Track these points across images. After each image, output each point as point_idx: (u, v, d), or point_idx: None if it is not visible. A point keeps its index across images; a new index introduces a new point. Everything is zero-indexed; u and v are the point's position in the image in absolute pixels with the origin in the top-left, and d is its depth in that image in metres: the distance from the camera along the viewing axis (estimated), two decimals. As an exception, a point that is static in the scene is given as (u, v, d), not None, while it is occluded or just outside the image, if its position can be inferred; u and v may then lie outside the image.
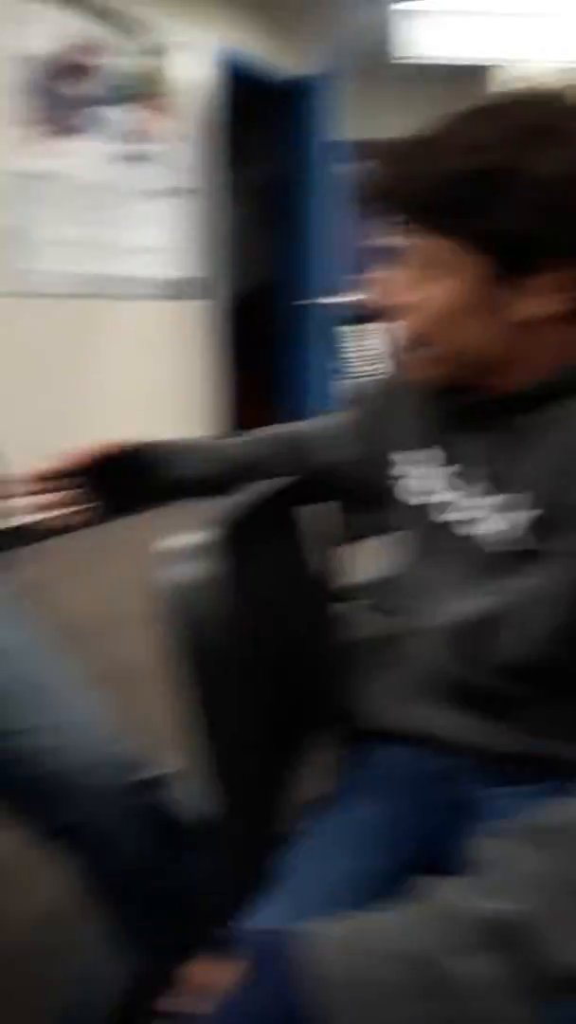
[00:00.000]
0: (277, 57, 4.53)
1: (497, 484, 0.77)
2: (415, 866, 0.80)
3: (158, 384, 4.08)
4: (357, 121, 4.37)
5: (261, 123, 4.80)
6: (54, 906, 1.28)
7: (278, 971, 0.53)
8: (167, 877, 0.98)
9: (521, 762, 0.81)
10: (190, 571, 0.73)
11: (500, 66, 4.00)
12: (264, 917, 0.73)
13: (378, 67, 4.56)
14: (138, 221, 3.82)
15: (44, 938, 1.22)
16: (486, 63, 3.98)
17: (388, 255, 0.75)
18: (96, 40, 3.49)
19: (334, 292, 4.21)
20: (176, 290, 4.09)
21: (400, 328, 0.77)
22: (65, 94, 3.38)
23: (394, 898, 0.68)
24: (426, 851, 0.82)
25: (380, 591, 1.82)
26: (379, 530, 0.92)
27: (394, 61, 4.07)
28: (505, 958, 0.50)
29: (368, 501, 0.93)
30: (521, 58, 3.72)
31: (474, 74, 3.93)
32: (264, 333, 5.08)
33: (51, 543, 3.46)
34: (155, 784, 0.98)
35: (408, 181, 0.72)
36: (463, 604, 0.80)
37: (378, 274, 0.76)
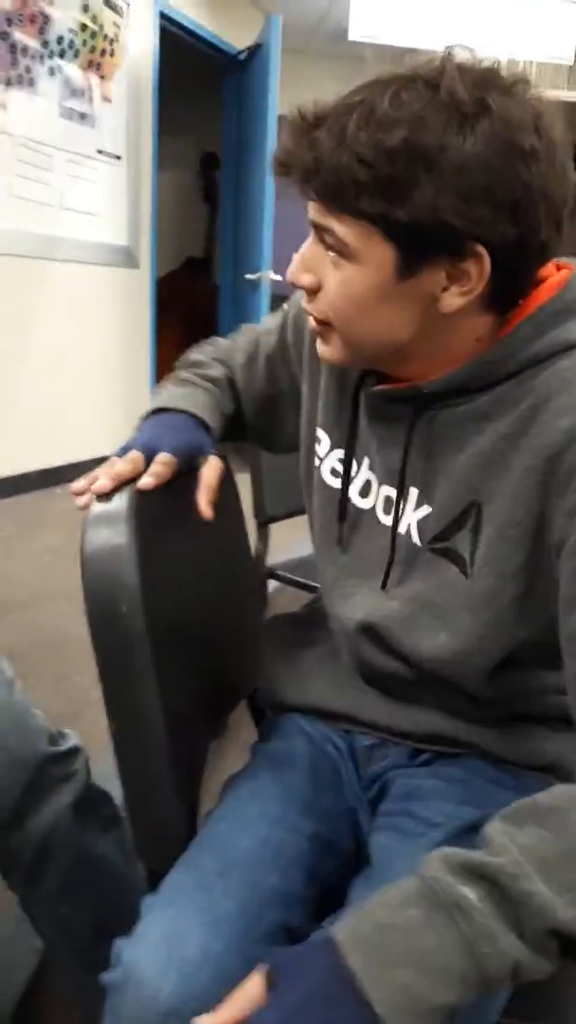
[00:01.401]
0: (221, 26, 4.46)
1: (416, 475, 0.76)
2: (327, 838, 0.82)
3: (88, 348, 4.02)
4: (299, 95, 4.32)
5: (201, 92, 4.73)
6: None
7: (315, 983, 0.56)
8: (79, 852, 0.98)
9: (429, 741, 0.83)
10: (107, 537, 0.72)
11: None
12: (175, 885, 0.73)
13: (326, 44, 4.51)
14: (75, 182, 3.72)
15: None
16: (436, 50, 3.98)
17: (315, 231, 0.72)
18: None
19: (265, 268, 4.18)
20: (108, 256, 4.02)
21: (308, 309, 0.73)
22: (14, 43, 3.27)
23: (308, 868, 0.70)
24: (337, 823, 0.84)
25: (302, 571, 1.82)
26: (302, 507, 0.92)
27: (344, 41, 4.04)
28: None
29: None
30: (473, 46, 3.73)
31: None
32: (194, 306, 5.01)
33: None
34: (71, 757, 0.97)
35: (313, 157, 0.64)
36: (381, 598, 0.80)
37: (298, 252, 0.71)
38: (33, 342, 3.72)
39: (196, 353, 0.99)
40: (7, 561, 2.82)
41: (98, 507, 0.75)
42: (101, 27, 3.69)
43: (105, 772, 0.94)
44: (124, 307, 4.20)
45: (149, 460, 0.79)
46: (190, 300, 5.19)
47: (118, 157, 3.95)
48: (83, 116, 3.68)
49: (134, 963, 0.67)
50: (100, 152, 3.82)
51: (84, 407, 4.01)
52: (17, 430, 3.69)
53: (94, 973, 0.70)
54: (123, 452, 0.80)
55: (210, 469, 0.82)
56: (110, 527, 0.73)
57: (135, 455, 0.79)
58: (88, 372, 4.02)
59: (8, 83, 3.29)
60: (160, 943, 0.68)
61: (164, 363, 4.54)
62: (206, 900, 0.71)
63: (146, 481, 0.77)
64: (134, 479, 0.77)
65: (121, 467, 0.78)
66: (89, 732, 1.01)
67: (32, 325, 3.71)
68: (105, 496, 0.76)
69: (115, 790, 0.85)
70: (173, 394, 0.89)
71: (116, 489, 0.76)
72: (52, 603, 2.42)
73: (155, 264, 4.39)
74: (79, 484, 0.78)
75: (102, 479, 0.77)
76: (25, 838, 0.94)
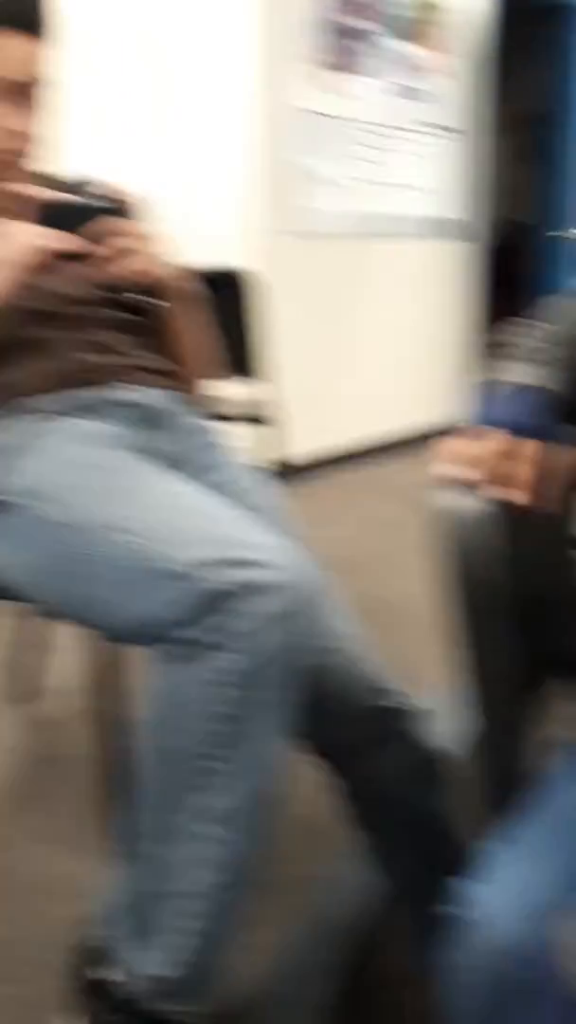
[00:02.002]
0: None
1: None
2: None
3: (419, 322, 4.09)
4: None
5: (530, 53, 4.56)
6: (312, 812, 1.40)
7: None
8: (420, 805, 1.04)
9: None
10: (469, 503, 0.75)
11: None
12: (523, 835, 0.77)
13: None
14: (408, 159, 3.80)
15: (305, 843, 1.34)
16: None
17: None
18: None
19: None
20: (439, 229, 4.05)
21: None
22: (349, 29, 3.43)
23: None
24: None
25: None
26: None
27: None
28: None
29: None
30: None
31: None
32: (521, 273, 4.89)
33: (317, 478, 3.65)
34: (414, 714, 1.03)
35: None
36: None
37: None
38: (369, 315, 3.88)
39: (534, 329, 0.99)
40: (340, 527, 3.00)
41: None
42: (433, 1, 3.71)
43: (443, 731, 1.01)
44: (456, 279, 4.23)
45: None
46: (518, 266, 5.08)
47: (453, 129, 3.96)
48: (416, 92, 3.73)
49: (485, 903, 0.72)
50: (434, 126, 3.86)
51: (413, 380, 4.10)
52: (348, 403, 3.88)
53: (430, 910, 0.76)
54: (482, 423, 0.83)
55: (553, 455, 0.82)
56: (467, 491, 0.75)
57: (504, 439, 0.79)
58: (418, 345, 4.11)
59: (343, 68, 3.43)
60: (512, 887, 0.72)
61: (492, 334, 4.52)
62: (554, 849, 0.74)
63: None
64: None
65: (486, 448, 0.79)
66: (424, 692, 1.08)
67: (373, 300, 3.86)
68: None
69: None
70: (520, 370, 0.91)
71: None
72: (380, 568, 2.54)
73: (488, 235, 4.36)
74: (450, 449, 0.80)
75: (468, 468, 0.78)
76: (366, 783, 1.03)
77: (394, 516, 3.16)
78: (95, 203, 1.15)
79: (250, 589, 0.78)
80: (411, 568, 2.55)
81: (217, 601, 0.78)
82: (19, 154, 1.16)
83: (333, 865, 1.29)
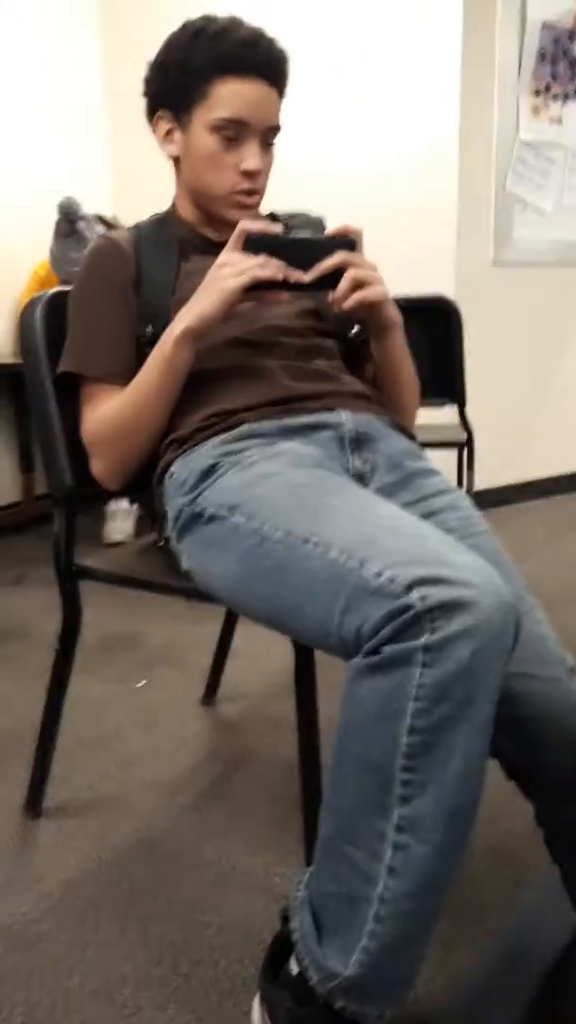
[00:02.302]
0: None
1: None
2: None
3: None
4: None
5: None
6: (512, 840, 1.39)
7: None
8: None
9: None
10: None
11: None
12: None
13: None
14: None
15: (497, 868, 1.33)
16: None
17: None
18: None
19: None
20: None
21: None
22: (573, 58, 3.39)
23: None
24: None
25: None
26: None
27: None
28: None
29: None
30: None
31: None
32: None
33: (512, 508, 3.58)
34: None
35: None
36: None
37: None
38: (573, 345, 3.78)
39: None
40: (539, 560, 2.93)
41: None
42: None
43: None
44: None
45: None
46: None
47: None
48: None
49: None
50: None
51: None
52: (551, 433, 3.79)
53: None
54: None
55: None
56: None
57: None
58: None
59: (566, 97, 3.39)
60: None
61: None
62: None
63: None
64: None
65: None
66: None
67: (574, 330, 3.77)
68: None
69: None
70: None
71: None
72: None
73: None
74: None
75: None
76: (572, 816, 1.01)
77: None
78: (321, 238, 1.22)
79: (446, 607, 0.80)
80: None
81: (412, 617, 0.81)
82: (259, 192, 1.28)
83: (532, 893, 1.28)
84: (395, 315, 1.25)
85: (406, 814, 0.82)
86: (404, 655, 0.81)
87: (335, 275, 1.12)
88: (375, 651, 0.83)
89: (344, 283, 1.13)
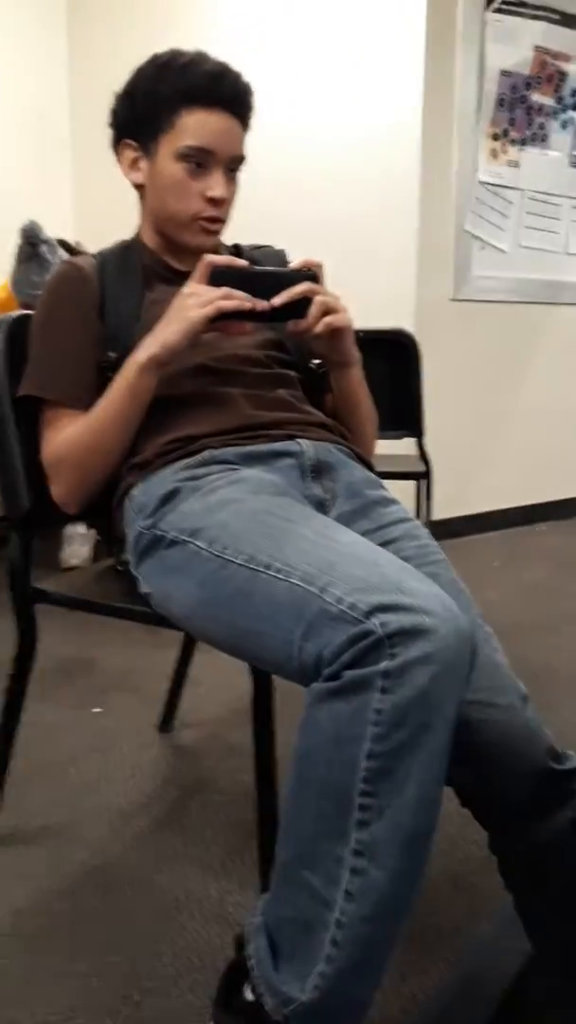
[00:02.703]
0: None
1: None
2: None
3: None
4: None
5: None
6: (468, 867, 1.40)
7: None
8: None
9: None
10: None
11: None
12: None
13: None
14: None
15: (453, 895, 1.34)
16: None
17: None
18: (563, 49, 3.55)
19: None
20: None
21: None
22: (530, 104, 3.51)
23: None
24: None
25: None
26: None
27: None
28: None
29: None
30: None
31: None
32: None
33: (467, 539, 3.63)
34: (574, 776, 1.01)
35: None
36: None
37: None
38: (531, 382, 3.87)
39: None
40: (494, 591, 2.97)
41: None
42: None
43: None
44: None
45: None
46: None
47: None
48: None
49: None
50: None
51: (568, 447, 4.05)
52: (505, 466, 3.86)
53: None
54: None
55: None
56: None
57: None
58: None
59: (523, 142, 3.50)
60: None
61: None
62: None
63: None
64: None
65: None
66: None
67: (532, 366, 3.86)
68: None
69: None
70: None
71: None
72: (534, 634, 2.50)
73: None
74: None
75: None
76: (527, 845, 1.02)
77: (546, 581, 3.10)
78: (285, 270, 1.24)
79: (406, 633, 0.81)
80: (567, 634, 2.50)
81: (372, 643, 0.82)
82: (222, 221, 1.30)
83: (487, 921, 1.28)
84: (355, 351, 1.28)
85: (363, 839, 0.82)
86: (364, 680, 0.82)
87: (299, 305, 1.15)
88: (335, 676, 0.84)
89: (315, 308, 1.16)
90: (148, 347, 1.18)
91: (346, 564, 0.91)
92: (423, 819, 0.84)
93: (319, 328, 1.17)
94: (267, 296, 1.14)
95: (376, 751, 0.81)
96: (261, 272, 1.21)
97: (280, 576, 0.93)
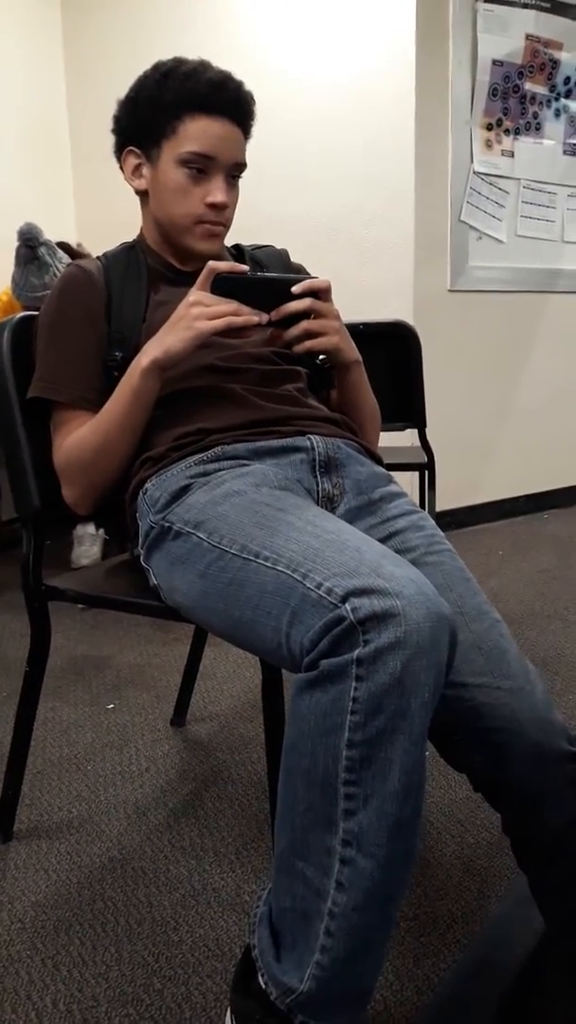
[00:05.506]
0: None
1: None
2: None
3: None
4: None
5: None
6: (479, 851, 1.42)
7: None
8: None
9: None
10: None
11: None
12: None
13: None
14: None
15: (464, 879, 1.36)
16: None
17: None
18: (554, 37, 3.56)
19: None
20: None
21: None
22: (523, 93, 3.51)
23: None
24: None
25: None
26: None
27: None
28: None
29: None
30: None
31: None
32: None
33: (472, 528, 3.64)
34: None
35: None
36: None
37: None
38: (531, 370, 3.88)
39: None
40: (500, 579, 2.99)
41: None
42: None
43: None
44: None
45: None
46: None
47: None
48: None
49: None
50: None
51: (571, 434, 4.05)
52: (508, 455, 3.87)
53: None
54: None
55: None
56: None
57: None
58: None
59: (517, 132, 3.51)
60: None
61: None
62: None
63: None
64: None
65: None
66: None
67: (532, 355, 3.87)
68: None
69: None
70: None
71: None
72: (541, 621, 2.51)
73: None
74: None
75: None
76: (541, 828, 1.03)
77: (551, 569, 3.11)
78: (287, 277, 1.26)
79: (377, 617, 0.81)
80: (574, 621, 2.52)
81: (345, 629, 0.82)
82: (225, 225, 1.32)
83: (500, 903, 1.30)
84: (351, 356, 1.30)
85: (350, 828, 0.83)
86: (339, 669, 0.82)
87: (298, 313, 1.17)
88: (314, 665, 0.85)
89: (295, 331, 1.19)
90: (151, 351, 1.20)
91: (329, 550, 0.92)
92: (408, 805, 0.83)
93: (298, 349, 1.19)
94: (269, 302, 1.16)
95: (356, 740, 0.82)
96: (264, 279, 1.23)
97: (268, 564, 0.94)
